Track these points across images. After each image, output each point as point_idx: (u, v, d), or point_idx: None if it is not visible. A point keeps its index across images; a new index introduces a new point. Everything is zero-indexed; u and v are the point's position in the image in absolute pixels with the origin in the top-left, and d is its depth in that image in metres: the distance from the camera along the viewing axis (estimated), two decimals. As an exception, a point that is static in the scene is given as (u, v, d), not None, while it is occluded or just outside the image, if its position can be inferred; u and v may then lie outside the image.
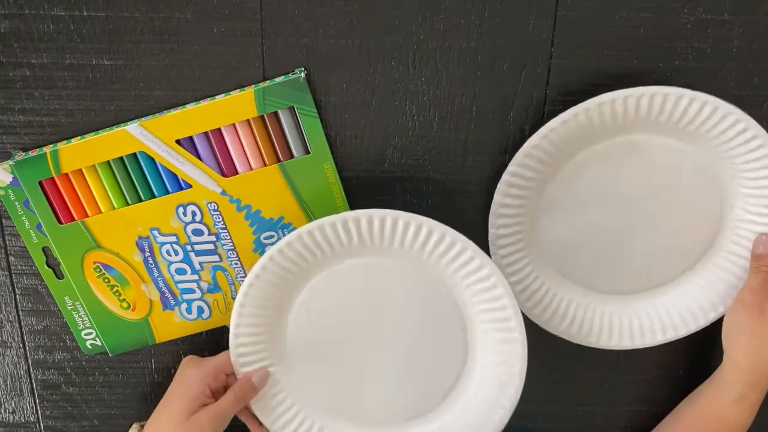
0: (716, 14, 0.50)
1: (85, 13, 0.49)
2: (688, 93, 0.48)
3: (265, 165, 0.53)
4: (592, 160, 0.52)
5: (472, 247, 0.50)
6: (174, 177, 0.53)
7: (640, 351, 0.58)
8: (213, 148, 0.53)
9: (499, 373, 0.53)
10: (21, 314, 0.59)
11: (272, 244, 0.55)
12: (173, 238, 0.55)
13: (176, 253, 0.56)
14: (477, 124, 0.53)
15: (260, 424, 0.55)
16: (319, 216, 0.54)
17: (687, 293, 0.57)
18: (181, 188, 0.53)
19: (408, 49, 0.51)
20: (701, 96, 0.48)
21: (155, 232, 0.55)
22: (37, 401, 0.63)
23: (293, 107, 0.52)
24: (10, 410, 0.64)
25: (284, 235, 0.54)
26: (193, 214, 0.54)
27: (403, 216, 0.49)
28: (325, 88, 0.52)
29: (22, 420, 0.64)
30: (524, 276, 0.55)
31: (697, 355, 0.62)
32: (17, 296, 0.58)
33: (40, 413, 0.64)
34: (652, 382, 0.63)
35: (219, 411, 0.50)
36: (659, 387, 0.63)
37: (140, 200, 0.54)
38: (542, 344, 0.58)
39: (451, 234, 0.49)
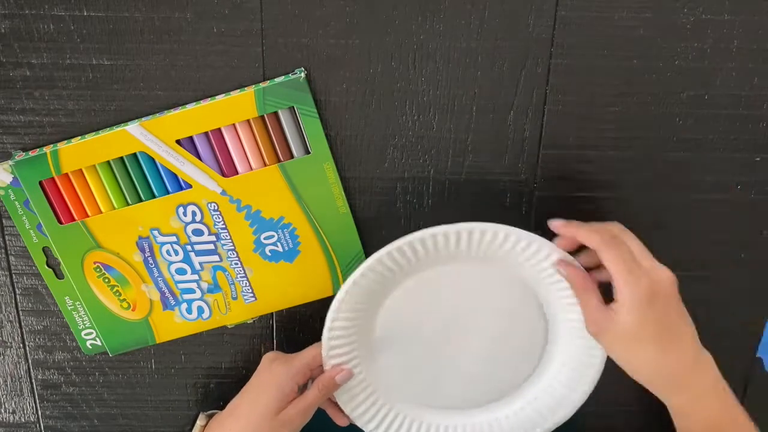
0: (716, 14, 0.50)
1: (85, 13, 0.49)
2: (478, 226, 0.49)
3: (265, 165, 0.53)
4: (408, 294, 0.54)
5: (554, 249, 0.51)
6: (174, 177, 0.53)
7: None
8: (213, 148, 0.53)
9: (580, 355, 0.55)
10: (21, 314, 0.59)
11: (272, 244, 0.55)
12: (173, 238, 0.55)
13: (176, 253, 0.55)
14: (477, 124, 0.53)
15: (341, 410, 0.56)
16: (320, 216, 0.55)
17: (534, 395, 0.57)
18: (181, 188, 0.53)
19: (408, 49, 0.51)
20: (482, 226, 0.50)
21: (155, 232, 0.55)
22: (37, 401, 0.63)
23: (293, 107, 0.52)
24: (10, 410, 0.64)
25: (284, 235, 0.55)
26: (193, 214, 0.54)
27: (501, 228, 0.50)
28: (325, 88, 0.52)
29: (22, 420, 0.64)
30: (369, 405, 0.56)
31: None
32: (17, 296, 0.58)
33: (40, 413, 0.64)
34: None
35: (306, 406, 0.52)
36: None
37: (140, 200, 0.54)
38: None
39: (538, 240, 0.50)
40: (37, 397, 0.63)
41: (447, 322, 0.56)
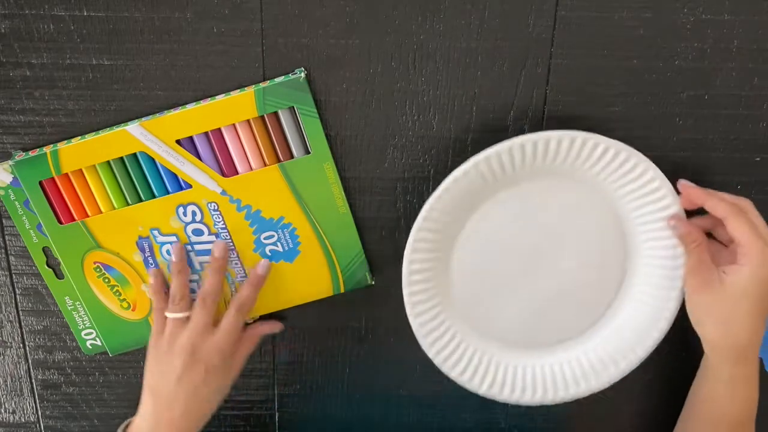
0: (716, 14, 0.50)
1: (85, 13, 0.49)
2: (580, 135, 0.49)
3: (265, 165, 0.53)
4: (493, 211, 0.53)
5: (652, 167, 0.50)
6: (174, 177, 0.53)
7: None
8: (213, 148, 0.53)
9: (654, 297, 0.54)
10: (21, 314, 0.59)
11: (272, 244, 0.55)
12: (173, 238, 0.55)
13: (172, 246, 0.55)
14: (477, 124, 0.53)
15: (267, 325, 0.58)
16: (320, 216, 0.55)
17: (611, 335, 0.57)
18: (181, 188, 0.53)
19: (408, 49, 0.51)
20: (584, 135, 0.49)
21: (155, 232, 0.55)
22: (37, 401, 0.63)
23: (293, 107, 0.52)
24: (10, 410, 0.64)
25: (284, 235, 0.55)
26: (194, 214, 0.54)
27: (591, 137, 0.49)
28: (325, 88, 0.52)
29: (22, 420, 0.64)
30: (441, 333, 0.55)
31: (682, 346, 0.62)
32: (17, 296, 0.58)
33: (40, 413, 0.64)
34: (652, 381, 0.63)
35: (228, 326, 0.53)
36: (660, 386, 0.63)
37: (140, 200, 0.54)
38: (542, 344, 0.58)
39: (635, 154, 0.50)
40: (37, 397, 0.63)
41: (526, 249, 0.54)
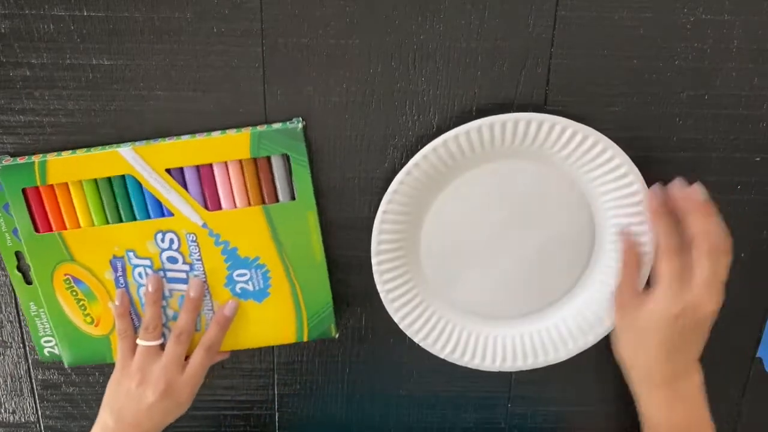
0: (716, 14, 0.50)
1: (85, 13, 0.49)
2: (547, 118, 0.50)
3: (249, 204, 0.54)
4: (464, 187, 0.54)
5: (612, 146, 0.51)
6: (158, 203, 0.53)
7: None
8: (201, 182, 0.53)
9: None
10: (21, 314, 0.59)
11: (244, 282, 0.56)
12: (147, 262, 0.55)
13: (148, 276, 0.56)
14: (477, 124, 0.53)
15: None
16: (295, 262, 0.56)
17: (572, 311, 0.58)
18: (163, 215, 0.54)
19: (408, 49, 0.51)
20: (552, 118, 0.50)
21: (131, 254, 0.55)
22: (37, 401, 0.63)
23: (287, 154, 0.52)
24: (10, 410, 0.64)
25: (257, 275, 0.56)
26: (171, 241, 0.54)
27: (547, 118, 0.50)
28: (325, 88, 0.52)
29: (22, 420, 0.64)
30: (414, 307, 0.57)
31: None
32: (17, 297, 0.58)
33: (40, 413, 0.64)
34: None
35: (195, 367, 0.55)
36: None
37: (121, 221, 0.54)
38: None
39: (604, 140, 0.51)
40: (37, 397, 0.63)
41: (495, 225, 0.55)
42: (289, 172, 0.53)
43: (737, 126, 0.54)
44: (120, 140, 0.53)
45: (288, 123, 0.52)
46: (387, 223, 0.53)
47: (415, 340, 0.58)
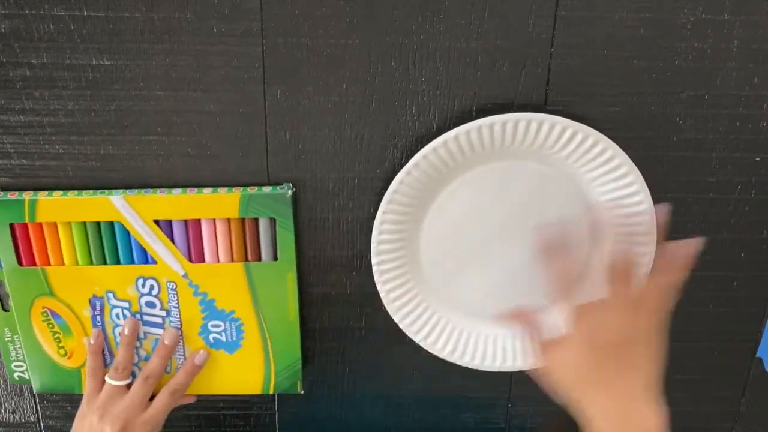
0: (716, 14, 0.50)
1: (85, 13, 0.49)
2: (547, 118, 0.50)
3: (232, 260, 0.55)
4: (464, 187, 0.54)
5: (612, 146, 0.51)
6: (143, 250, 0.55)
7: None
8: (188, 234, 0.54)
9: None
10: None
11: (218, 333, 0.58)
12: (126, 305, 0.56)
13: (125, 318, 0.57)
14: (477, 124, 0.53)
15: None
16: (269, 319, 0.57)
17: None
18: (146, 262, 0.55)
19: (408, 49, 0.51)
20: (552, 118, 0.50)
21: (110, 295, 0.56)
22: (37, 401, 0.63)
23: (274, 218, 0.53)
24: (10, 410, 0.64)
25: (231, 328, 0.57)
26: (151, 288, 0.56)
27: (547, 118, 0.50)
28: (325, 88, 0.52)
29: (22, 420, 0.64)
30: (414, 306, 0.57)
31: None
32: (17, 296, 0.58)
33: (40, 413, 0.64)
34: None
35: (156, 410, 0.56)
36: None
37: (105, 262, 0.55)
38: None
39: (593, 133, 0.51)
40: (37, 397, 0.63)
41: (494, 226, 0.55)
42: (274, 234, 0.54)
43: (737, 126, 0.54)
44: (121, 140, 0.53)
45: (278, 188, 0.53)
46: (387, 224, 0.53)
47: (416, 340, 0.58)
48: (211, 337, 0.58)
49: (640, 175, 0.52)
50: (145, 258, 0.55)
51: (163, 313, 0.57)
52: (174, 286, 0.56)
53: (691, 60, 0.52)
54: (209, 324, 0.57)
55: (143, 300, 0.56)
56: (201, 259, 0.55)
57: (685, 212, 0.56)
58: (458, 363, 0.59)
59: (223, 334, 0.58)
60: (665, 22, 0.50)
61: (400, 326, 0.57)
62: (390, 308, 0.57)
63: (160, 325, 0.57)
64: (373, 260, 0.55)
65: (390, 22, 0.50)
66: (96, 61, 0.51)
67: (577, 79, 0.52)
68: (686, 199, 0.56)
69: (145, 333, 0.57)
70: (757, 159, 0.55)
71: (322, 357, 0.62)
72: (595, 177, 0.53)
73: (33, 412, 0.64)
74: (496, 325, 0.59)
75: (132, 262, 0.55)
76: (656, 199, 0.55)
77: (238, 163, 0.54)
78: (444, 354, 0.58)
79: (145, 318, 0.57)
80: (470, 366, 0.59)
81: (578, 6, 0.50)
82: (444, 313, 0.58)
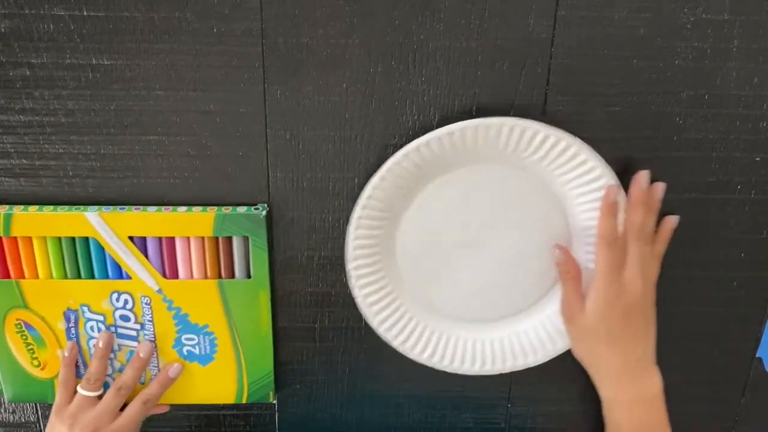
0: (716, 14, 0.50)
1: (85, 13, 0.49)
2: (519, 122, 0.51)
3: (206, 277, 0.56)
4: (442, 189, 0.54)
5: (585, 149, 0.51)
6: (117, 265, 0.55)
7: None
8: (162, 252, 0.55)
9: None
10: None
11: (191, 346, 0.58)
12: (100, 318, 0.57)
13: (99, 330, 0.57)
14: (477, 124, 0.53)
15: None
16: (242, 333, 0.58)
17: (550, 313, 0.58)
18: (121, 277, 0.55)
19: (408, 49, 0.51)
20: (523, 122, 0.50)
21: (85, 308, 0.56)
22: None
23: (247, 237, 0.54)
24: (10, 410, 0.64)
25: (204, 341, 0.58)
26: (125, 302, 0.56)
27: (518, 123, 0.50)
28: (325, 88, 0.52)
29: (22, 420, 0.64)
30: (392, 312, 0.57)
31: (697, 355, 0.62)
32: (17, 296, 0.58)
33: (40, 413, 0.64)
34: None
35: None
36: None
37: (79, 276, 0.55)
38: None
39: (577, 142, 0.51)
40: (37, 397, 0.63)
41: (470, 230, 0.56)
42: (247, 253, 0.55)
43: (737, 126, 0.54)
44: (121, 139, 0.53)
45: (252, 208, 0.54)
46: (362, 228, 0.54)
47: (393, 345, 0.58)
48: (184, 350, 0.58)
49: (614, 176, 0.52)
50: (120, 273, 0.55)
51: (138, 327, 0.57)
52: (148, 301, 0.56)
53: (691, 60, 0.52)
54: (183, 337, 0.58)
55: (118, 313, 0.57)
56: (175, 275, 0.55)
57: (685, 212, 0.56)
58: (436, 367, 0.59)
59: (197, 347, 0.58)
60: (665, 22, 0.50)
61: (378, 331, 0.58)
62: (367, 312, 0.57)
63: (135, 338, 0.58)
64: (350, 265, 0.55)
65: (390, 22, 0.50)
66: (96, 61, 0.51)
67: (577, 79, 0.52)
68: (686, 199, 0.56)
69: (119, 345, 0.58)
70: (757, 159, 0.55)
71: (321, 357, 0.62)
72: (569, 180, 0.53)
73: (33, 412, 0.64)
74: (475, 327, 0.59)
75: (107, 276, 0.55)
76: (656, 199, 0.55)
77: (238, 163, 0.54)
78: (423, 358, 0.59)
79: (120, 331, 0.57)
80: (448, 370, 0.59)
81: (578, 6, 0.50)
82: (423, 317, 0.58)
